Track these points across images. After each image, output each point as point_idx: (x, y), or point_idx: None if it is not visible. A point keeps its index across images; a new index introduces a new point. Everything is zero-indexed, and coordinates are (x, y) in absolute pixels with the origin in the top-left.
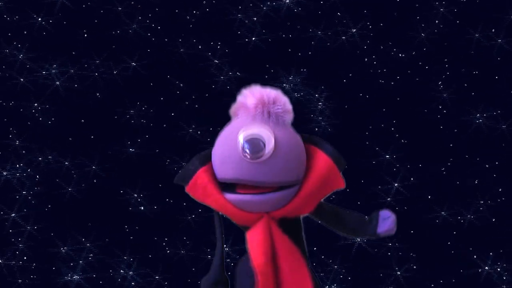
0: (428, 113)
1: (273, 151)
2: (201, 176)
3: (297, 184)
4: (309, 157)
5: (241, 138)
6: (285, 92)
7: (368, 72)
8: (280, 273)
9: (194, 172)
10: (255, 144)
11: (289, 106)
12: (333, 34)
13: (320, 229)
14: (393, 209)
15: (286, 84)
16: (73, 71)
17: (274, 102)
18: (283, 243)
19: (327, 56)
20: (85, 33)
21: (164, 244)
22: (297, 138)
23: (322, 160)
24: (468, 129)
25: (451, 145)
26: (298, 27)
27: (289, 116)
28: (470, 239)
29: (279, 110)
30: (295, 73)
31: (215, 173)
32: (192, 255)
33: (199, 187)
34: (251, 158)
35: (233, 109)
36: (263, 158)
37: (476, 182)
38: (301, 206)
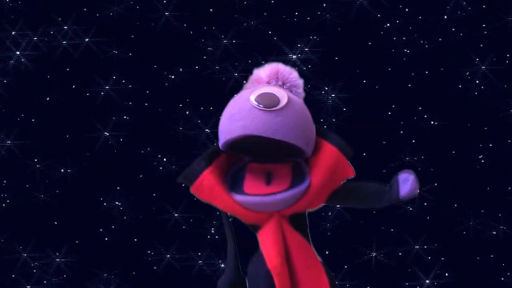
0: (457, 104)
1: (286, 106)
2: (207, 177)
3: (302, 156)
4: (316, 149)
5: (252, 97)
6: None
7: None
8: (295, 271)
9: (200, 172)
10: (268, 97)
11: (301, 82)
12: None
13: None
14: (415, 219)
15: (293, 55)
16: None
17: (288, 73)
18: (295, 240)
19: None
20: None
21: (150, 259)
22: (309, 112)
23: (328, 151)
24: (502, 125)
25: (480, 145)
26: None
27: (302, 91)
28: (503, 250)
29: (293, 81)
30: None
31: (220, 140)
32: (182, 264)
33: (205, 188)
34: (264, 107)
35: (246, 84)
36: (277, 107)
37: (510, 188)
38: (313, 200)
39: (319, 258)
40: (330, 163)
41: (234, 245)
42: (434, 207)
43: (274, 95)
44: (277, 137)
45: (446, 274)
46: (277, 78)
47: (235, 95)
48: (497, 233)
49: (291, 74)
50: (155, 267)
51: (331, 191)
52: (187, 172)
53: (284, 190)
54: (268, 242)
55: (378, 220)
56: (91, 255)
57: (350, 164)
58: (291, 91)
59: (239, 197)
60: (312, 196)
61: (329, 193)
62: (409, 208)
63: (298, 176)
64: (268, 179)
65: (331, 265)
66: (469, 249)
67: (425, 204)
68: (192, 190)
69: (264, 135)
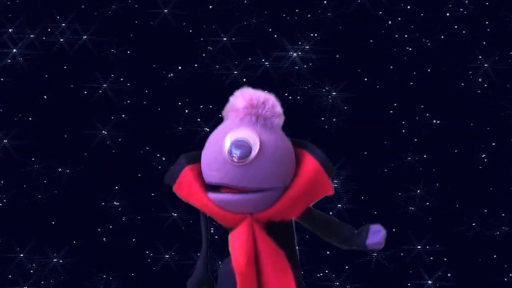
0: (459, 103)
1: (259, 155)
2: (186, 174)
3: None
4: (298, 161)
5: (227, 142)
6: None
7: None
8: (263, 275)
9: (180, 171)
10: (241, 147)
11: (278, 110)
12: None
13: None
14: (417, 220)
15: (294, 53)
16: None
17: (263, 105)
18: (267, 245)
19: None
20: None
21: (149, 259)
22: (286, 142)
23: (310, 164)
24: (505, 124)
25: (482, 145)
26: None
27: (278, 120)
28: (506, 251)
29: (268, 113)
30: (304, 42)
31: (203, 176)
32: (181, 264)
33: (184, 185)
34: (237, 161)
35: (224, 111)
36: (248, 160)
37: None
38: (286, 209)
39: (291, 266)
40: (309, 176)
41: (206, 246)
42: (436, 207)
43: (246, 145)
44: (253, 186)
45: (449, 275)
46: (251, 113)
47: (215, 130)
48: (500, 234)
49: (266, 105)
50: (154, 268)
51: (306, 204)
52: (169, 172)
53: (256, 191)
54: (236, 242)
55: (379, 221)
56: (90, 255)
57: (330, 182)
58: (266, 125)
59: (212, 195)
60: (286, 204)
61: (305, 207)
62: (411, 208)
63: None
64: None
65: (332, 266)
66: (471, 250)
67: (426, 204)
68: (174, 189)
69: (240, 185)
